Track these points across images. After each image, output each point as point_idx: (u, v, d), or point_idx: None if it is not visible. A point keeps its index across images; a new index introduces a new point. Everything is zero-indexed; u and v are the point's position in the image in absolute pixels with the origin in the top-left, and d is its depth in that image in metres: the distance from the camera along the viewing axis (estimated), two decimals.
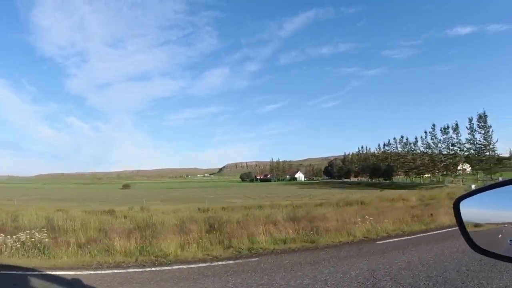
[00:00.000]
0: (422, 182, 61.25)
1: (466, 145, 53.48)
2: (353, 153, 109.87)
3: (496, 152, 50.90)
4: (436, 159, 59.12)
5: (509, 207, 0.93)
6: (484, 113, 50.91)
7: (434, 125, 60.10)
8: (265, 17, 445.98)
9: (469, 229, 1.05)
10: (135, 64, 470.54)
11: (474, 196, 1.05)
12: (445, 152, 57.63)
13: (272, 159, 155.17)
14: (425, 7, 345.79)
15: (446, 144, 57.30)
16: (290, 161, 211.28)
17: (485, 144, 50.59)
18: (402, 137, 72.74)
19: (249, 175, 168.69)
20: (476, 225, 1.07)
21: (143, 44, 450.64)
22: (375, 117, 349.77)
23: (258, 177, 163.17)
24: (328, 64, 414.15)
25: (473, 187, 36.66)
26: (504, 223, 0.92)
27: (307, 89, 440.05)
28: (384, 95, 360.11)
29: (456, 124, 55.68)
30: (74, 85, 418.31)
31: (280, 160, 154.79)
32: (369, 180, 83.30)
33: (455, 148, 55.71)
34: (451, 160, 56.15)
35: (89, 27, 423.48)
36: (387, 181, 71.38)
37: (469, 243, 1.04)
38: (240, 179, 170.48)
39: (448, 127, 57.42)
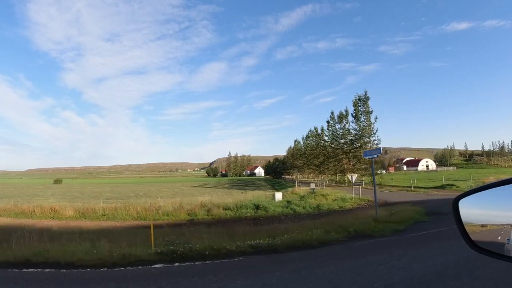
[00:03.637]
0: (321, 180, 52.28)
1: (349, 136, 43.54)
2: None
3: (377, 145, 40.71)
4: (326, 154, 49.68)
5: (508, 207, 0.94)
6: (365, 94, 40.53)
7: (332, 113, 49.91)
8: (262, 12, 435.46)
9: (468, 228, 1.05)
10: (131, 58, 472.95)
11: (473, 195, 1.06)
12: (336, 146, 47.83)
13: (229, 153, 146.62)
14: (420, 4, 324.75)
15: (337, 135, 47.46)
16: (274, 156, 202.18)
17: (360, 135, 40.49)
18: (315, 128, 61.99)
19: (215, 170, 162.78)
20: (475, 224, 1.06)
21: (139, 38, 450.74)
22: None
23: (224, 172, 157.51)
24: (324, 60, 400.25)
25: (277, 196, 26.80)
26: (503, 223, 0.93)
27: (303, 84, 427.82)
28: (380, 90, 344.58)
29: (346, 111, 45.50)
30: (70, 79, 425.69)
31: (239, 155, 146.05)
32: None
33: (341, 140, 45.72)
34: (341, 156, 46.47)
35: (84, 22, 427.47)
36: (280, 179, 62.43)
37: (467, 241, 1.04)
38: (207, 174, 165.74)
39: (345, 115, 47.45)
